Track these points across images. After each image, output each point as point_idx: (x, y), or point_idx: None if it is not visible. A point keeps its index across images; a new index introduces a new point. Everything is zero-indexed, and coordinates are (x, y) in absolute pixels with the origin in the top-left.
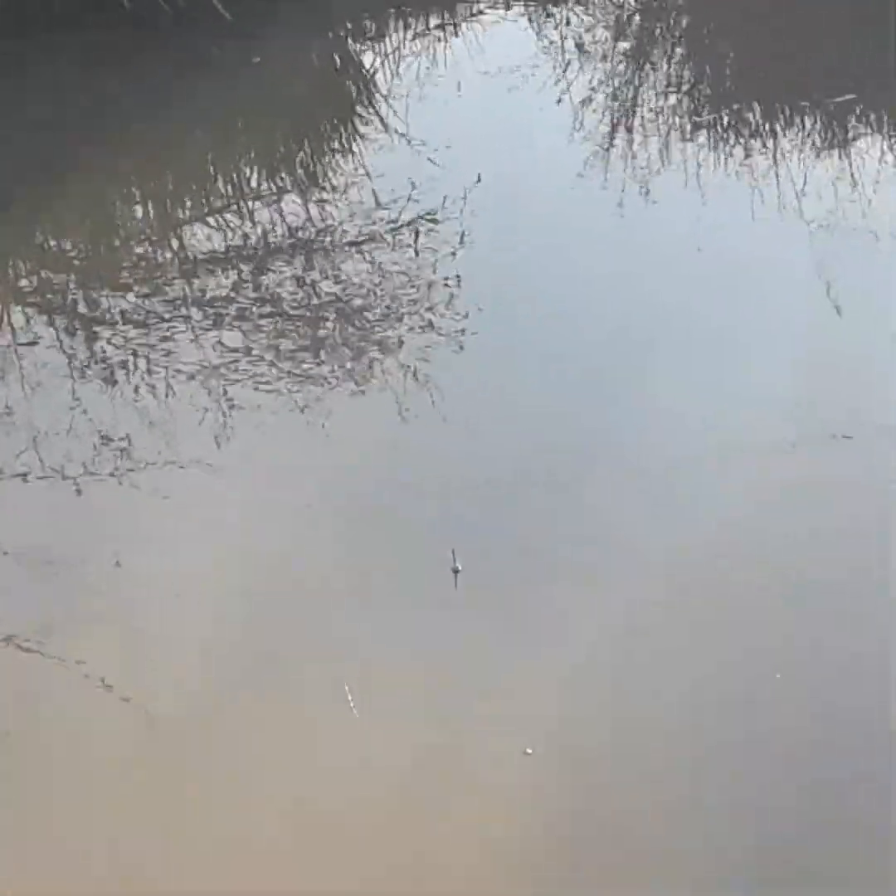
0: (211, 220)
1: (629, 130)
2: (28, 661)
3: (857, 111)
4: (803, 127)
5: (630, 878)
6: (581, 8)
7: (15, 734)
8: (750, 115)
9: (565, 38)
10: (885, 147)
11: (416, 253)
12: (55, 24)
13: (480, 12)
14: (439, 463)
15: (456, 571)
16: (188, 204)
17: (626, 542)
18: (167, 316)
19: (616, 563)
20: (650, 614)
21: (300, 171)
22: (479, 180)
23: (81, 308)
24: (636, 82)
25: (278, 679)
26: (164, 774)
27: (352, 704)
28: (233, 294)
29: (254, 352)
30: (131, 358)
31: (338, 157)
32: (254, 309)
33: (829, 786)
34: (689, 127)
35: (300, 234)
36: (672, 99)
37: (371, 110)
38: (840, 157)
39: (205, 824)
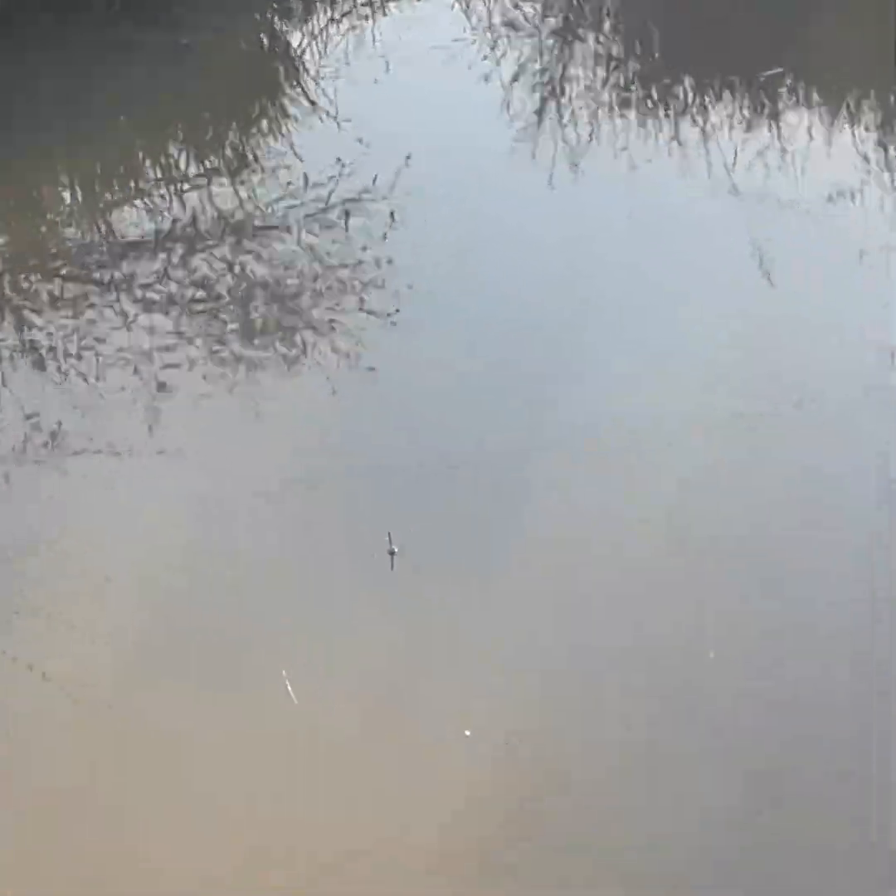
0: (139, 202)
1: (559, 106)
2: None
3: (786, 84)
4: (732, 101)
5: (573, 856)
6: None
7: None
8: (679, 90)
9: (493, 14)
10: (812, 119)
11: (347, 233)
12: None
13: None
14: (374, 444)
15: (392, 553)
16: (116, 187)
17: (565, 519)
18: (97, 300)
19: (555, 543)
20: (591, 592)
21: (229, 152)
22: (408, 159)
23: (9, 293)
24: (565, 58)
25: (215, 665)
26: (99, 765)
27: (290, 689)
28: (163, 277)
29: (185, 335)
30: (61, 343)
31: (267, 138)
32: (184, 292)
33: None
34: (618, 102)
35: (230, 216)
36: (601, 74)
37: (299, 90)
38: (769, 130)
39: (143, 816)
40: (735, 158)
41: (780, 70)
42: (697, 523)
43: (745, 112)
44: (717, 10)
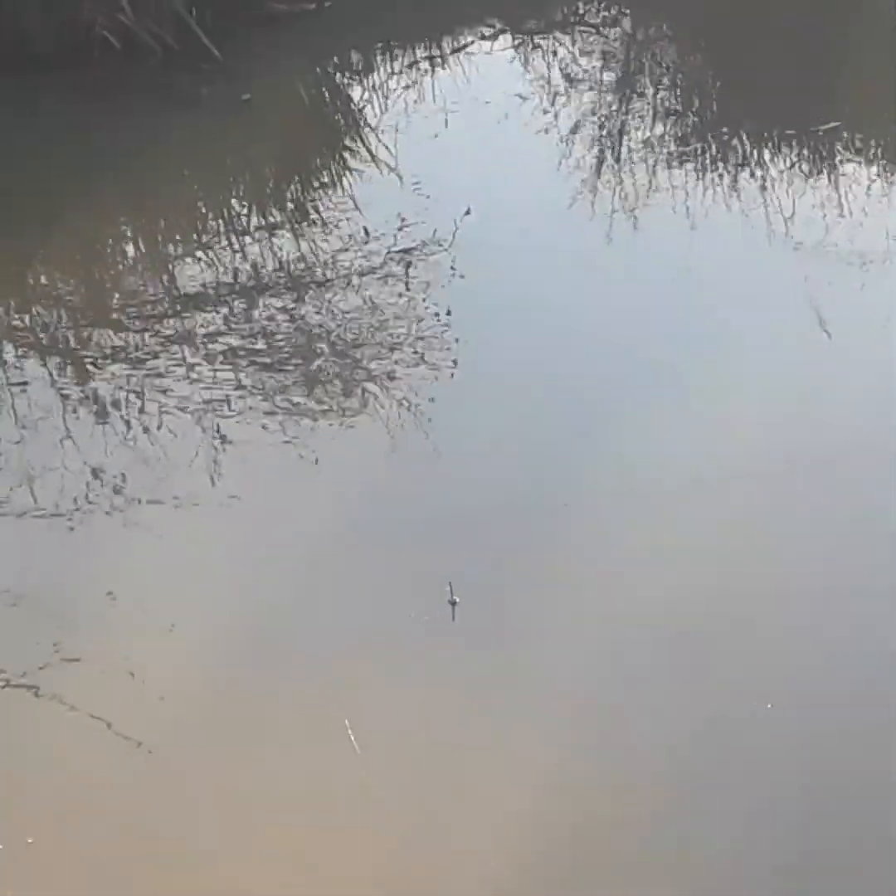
0: (201, 255)
1: (617, 160)
2: (22, 699)
3: (843, 138)
4: (790, 154)
5: None
6: (568, 38)
7: (12, 771)
8: (737, 143)
9: (552, 68)
10: (870, 173)
11: (407, 286)
12: (44, 63)
13: (467, 44)
14: (433, 495)
15: (453, 603)
16: (179, 240)
17: (623, 571)
18: (159, 352)
19: (613, 594)
20: (647, 645)
21: (290, 205)
22: (468, 212)
23: (73, 345)
24: (623, 112)
25: (275, 715)
26: (160, 813)
27: (352, 739)
28: (224, 329)
29: (245, 387)
30: (123, 395)
31: (327, 191)
32: (245, 344)
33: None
34: (676, 155)
35: (290, 268)
36: (659, 128)
37: (359, 144)
38: (828, 183)
39: (205, 864)
40: (793, 211)
41: (837, 123)
42: (750, 570)
43: (804, 165)
44: (774, 63)
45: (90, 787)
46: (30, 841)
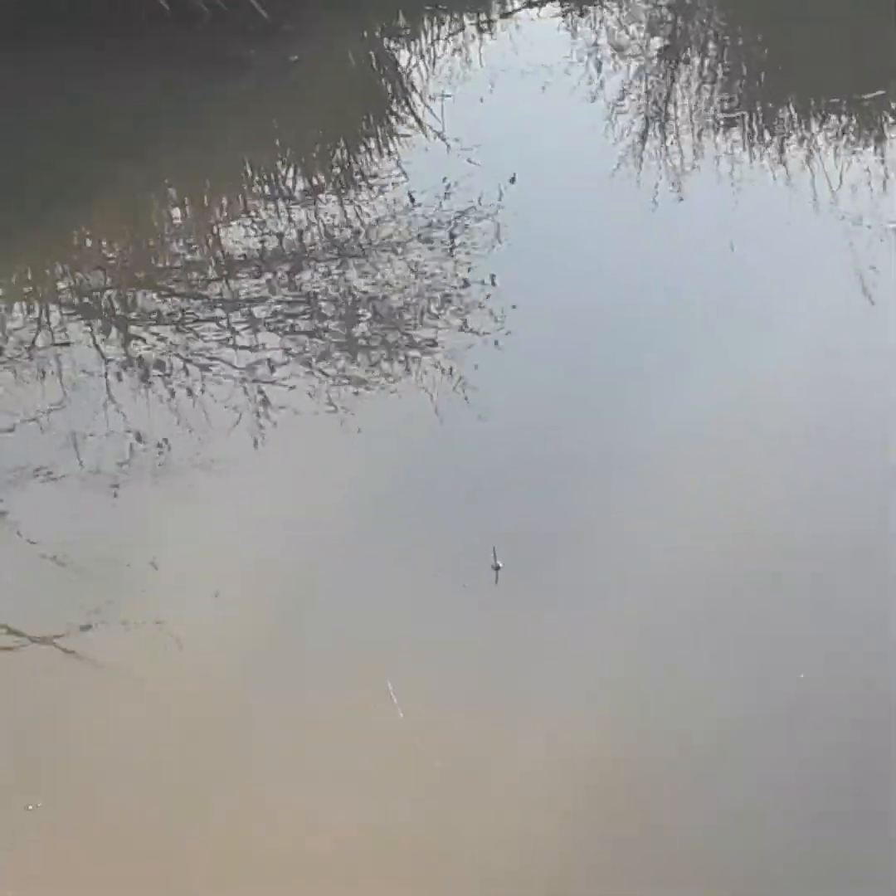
0: (247, 220)
1: (663, 128)
2: (66, 660)
3: (891, 107)
4: (837, 123)
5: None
6: (615, 6)
7: (52, 732)
8: (783, 112)
9: (599, 35)
10: None
11: (451, 252)
12: (92, 24)
13: (514, 11)
14: (476, 461)
15: (497, 568)
16: (225, 204)
17: (668, 534)
18: (203, 316)
19: (657, 558)
20: (692, 608)
21: (336, 169)
22: (513, 180)
23: (118, 309)
24: (670, 80)
25: (320, 678)
26: (203, 776)
27: (395, 702)
28: (269, 294)
29: (290, 352)
30: (167, 359)
31: (373, 155)
32: (290, 309)
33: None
34: (722, 124)
35: (335, 233)
36: (705, 96)
37: (406, 109)
38: (874, 153)
39: (246, 824)
40: (840, 181)
41: (882, 92)
42: (786, 541)
43: (850, 135)
44: (823, 31)
45: (130, 751)
46: (30, 808)
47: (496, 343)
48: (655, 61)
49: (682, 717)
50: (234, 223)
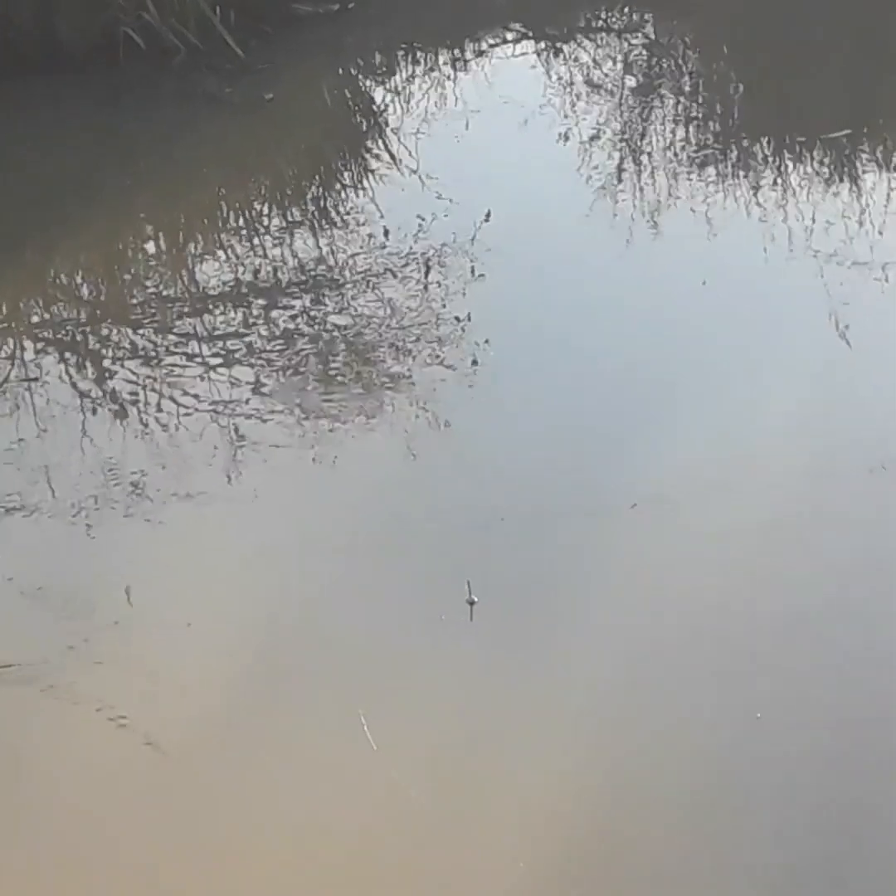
0: (222, 255)
1: (638, 165)
2: (39, 695)
3: (865, 146)
4: (811, 161)
5: None
6: (590, 43)
7: (26, 768)
8: (757, 149)
9: (574, 73)
10: (892, 181)
11: (426, 288)
12: (67, 63)
13: (489, 48)
14: (451, 497)
15: (471, 603)
16: (199, 239)
17: (642, 575)
18: (178, 351)
19: (632, 597)
20: (666, 648)
21: (311, 206)
22: (488, 216)
23: (92, 344)
24: (644, 117)
25: (292, 711)
26: (176, 808)
27: (368, 734)
28: (243, 329)
29: (264, 387)
30: (142, 393)
31: (348, 191)
32: (264, 344)
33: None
34: (697, 161)
35: (310, 268)
36: (680, 133)
37: (381, 145)
38: (848, 192)
39: (219, 864)
40: (813, 219)
41: (848, 131)
42: (772, 581)
43: (825, 173)
44: (796, 70)
45: (104, 786)
46: None
47: (470, 379)
48: (630, 99)
49: (660, 755)
50: (208, 258)
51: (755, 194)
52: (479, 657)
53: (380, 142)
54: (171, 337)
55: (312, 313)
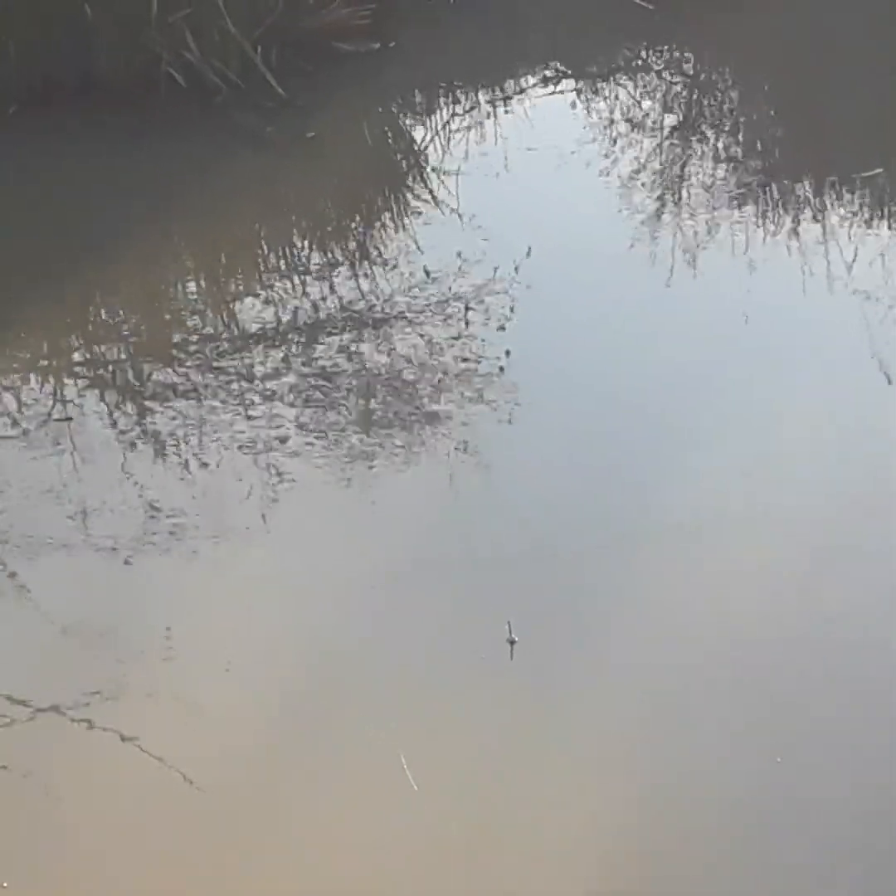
0: (262, 293)
1: (677, 204)
2: (80, 732)
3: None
4: (852, 200)
5: None
6: (629, 82)
7: (67, 805)
8: (797, 188)
9: (613, 111)
10: None
11: (466, 326)
12: (109, 97)
13: (529, 87)
14: (490, 536)
15: (512, 643)
16: (240, 278)
17: (684, 612)
18: (217, 389)
19: (672, 634)
20: (711, 689)
21: (351, 244)
22: (528, 254)
23: (132, 382)
24: (684, 156)
25: (331, 750)
26: (216, 848)
27: (409, 775)
28: (283, 367)
29: (303, 425)
30: (181, 431)
31: (388, 230)
32: (304, 382)
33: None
34: (737, 200)
35: (350, 307)
36: (720, 172)
37: (421, 184)
38: (888, 229)
39: None
40: (854, 257)
41: (880, 170)
42: (802, 616)
43: (865, 211)
44: (837, 108)
45: (140, 822)
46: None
47: (509, 418)
48: (670, 137)
49: (701, 795)
50: (248, 296)
51: (795, 232)
52: (519, 697)
53: (420, 180)
54: (210, 375)
55: (352, 352)
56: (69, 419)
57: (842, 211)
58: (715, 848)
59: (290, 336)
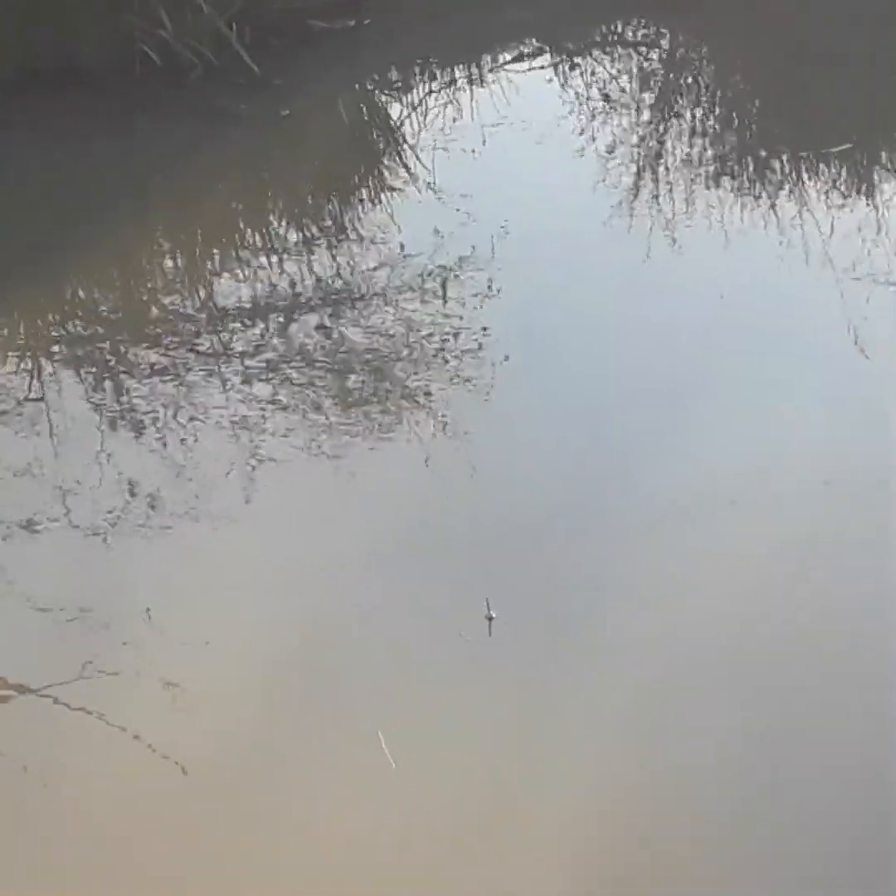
0: (239, 271)
1: (655, 179)
2: (59, 713)
3: (882, 159)
4: (828, 175)
5: None
6: (606, 58)
7: (47, 787)
8: (775, 163)
9: (590, 87)
10: None
11: (444, 303)
12: (84, 79)
13: (505, 63)
14: (468, 512)
15: (490, 619)
16: (216, 256)
17: (664, 589)
18: (195, 368)
19: (649, 611)
20: (689, 661)
21: (328, 222)
22: (506, 230)
23: (110, 361)
24: (661, 131)
25: (311, 728)
26: (196, 826)
27: (387, 752)
28: (261, 345)
29: (281, 403)
30: (160, 411)
31: (365, 207)
32: (282, 360)
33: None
34: (713, 174)
35: (327, 285)
36: (697, 148)
37: (398, 161)
38: (866, 205)
39: (239, 875)
40: (831, 232)
41: (849, 145)
42: (790, 593)
43: (841, 186)
44: (813, 83)
45: (121, 802)
46: None
47: (488, 395)
48: (647, 113)
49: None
50: (225, 275)
51: (772, 207)
52: (498, 673)
53: (396, 157)
54: (188, 354)
55: (330, 329)
56: (41, 399)
57: (819, 185)
58: (700, 824)
59: (267, 314)
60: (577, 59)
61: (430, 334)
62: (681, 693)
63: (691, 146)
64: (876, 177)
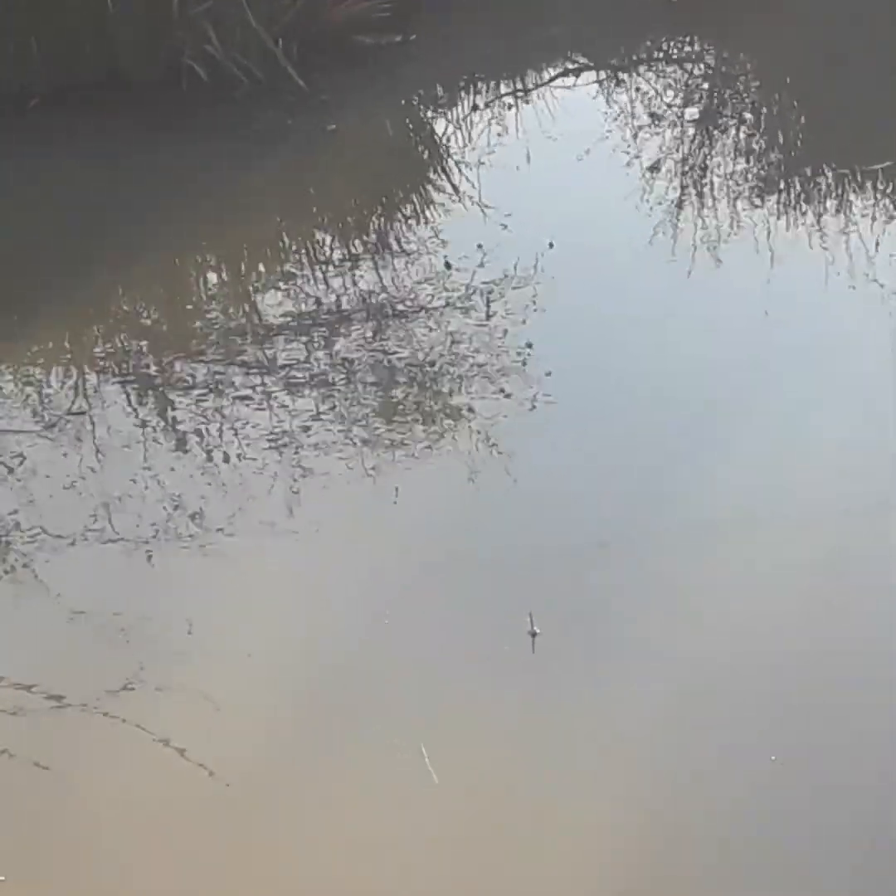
0: (283, 286)
1: (699, 195)
2: (101, 724)
3: None
4: (874, 192)
5: None
6: (651, 74)
7: (89, 798)
8: (820, 181)
9: (635, 103)
10: None
11: (488, 318)
12: (128, 93)
13: (550, 79)
14: (512, 528)
15: (533, 635)
16: (261, 270)
17: (704, 607)
18: (240, 382)
19: (694, 629)
20: (727, 679)
21: (373, 236)
22: (550, 246)
23: (155, 375)
24: (706, 148)
25: (353, 743)
26: (238, 839)
27: (429, 767)
28: (305, 359)
29: (325, 417)
30: (203, 424)
31: (410, 222)
32: (326, 374)
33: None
34: (758, 192)
35: (372, 299)
36: (741, 164)
37: (443, 176)
38: None
39: (280, 889)
40: (876, 251)
41: (890, 163)
42: (824, 609)
43: (887, 204)
44: (859, 99)
45: (163, 816)
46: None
47: (531, 410)
48: (691, 129)
49: (721, 794)
50: (270, 289)
51: (817, 225)
52: (541, 689)
53: (442, 173)
54: (232, 368)
55: (374, 344)
56: (84, 412)
57: (864, 203)
58: (739, 843)
59: (312, 328)
60: (622, 76)
61: (475, 350)
62: (718, 711)
63: (735, 163)
64: None
